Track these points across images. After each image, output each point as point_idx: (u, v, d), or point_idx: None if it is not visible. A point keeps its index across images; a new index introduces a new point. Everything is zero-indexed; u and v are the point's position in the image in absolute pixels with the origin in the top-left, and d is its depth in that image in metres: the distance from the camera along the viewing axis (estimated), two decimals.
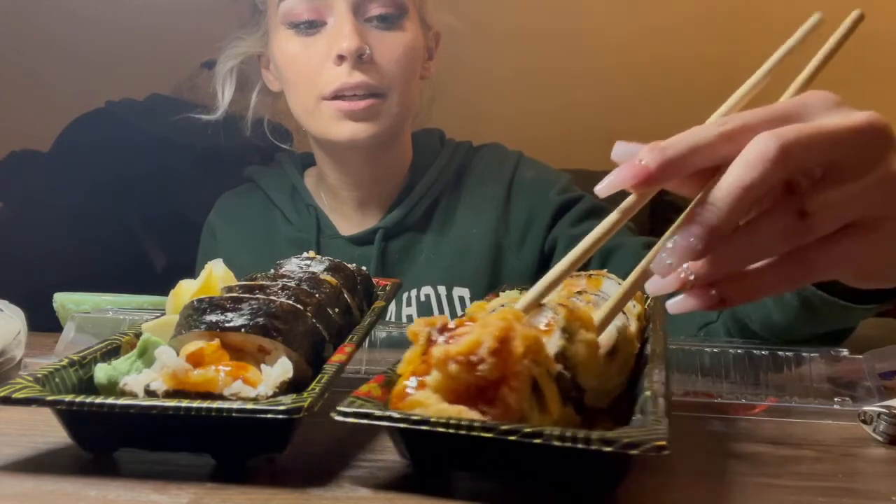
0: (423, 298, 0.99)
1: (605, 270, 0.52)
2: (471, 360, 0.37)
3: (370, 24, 0.93)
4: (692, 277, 0.39)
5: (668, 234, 0.39)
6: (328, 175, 1.04)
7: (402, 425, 0.38)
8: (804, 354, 0.60)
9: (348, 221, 1.05)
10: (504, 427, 0.36)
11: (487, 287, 0.96)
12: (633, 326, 0.47)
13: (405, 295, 0.99)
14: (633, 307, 0.49)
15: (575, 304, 0.42)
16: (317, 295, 0.51)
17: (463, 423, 0.36)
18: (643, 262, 0.42)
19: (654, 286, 0.40)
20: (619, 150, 0.42)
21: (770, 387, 0.59)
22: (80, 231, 1.40)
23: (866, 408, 0.54)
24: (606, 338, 0.44)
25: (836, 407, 0.58)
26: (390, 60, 0.93)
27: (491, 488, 0.41)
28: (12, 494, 0.39)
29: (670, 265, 0.38)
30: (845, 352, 0.60)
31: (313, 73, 0.93)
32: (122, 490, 0.39)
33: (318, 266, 0.57)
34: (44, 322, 0.85)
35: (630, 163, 0.39)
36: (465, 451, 0.39)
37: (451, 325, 0.39)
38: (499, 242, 1.01)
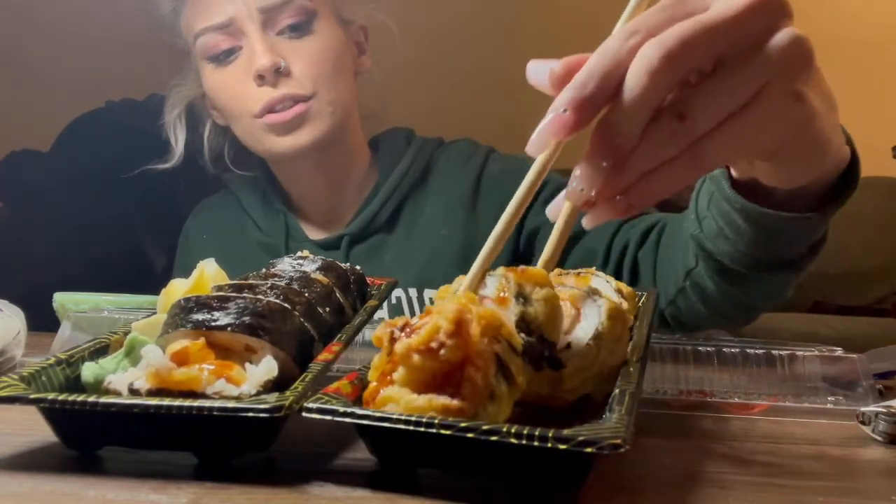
0: (394, 301, 0.98)
1: (594, 268, 0.51)
2: (431, 347, 0.37)
3: (283, 36, 0.93)
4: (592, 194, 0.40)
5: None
6: (290, 190, 1.05)
7: (363, 422, 0.38)
8: (799, 353, 0.59)
9: (318, 226, 1.05)
10: (463, 424, 0.36)
11: None
12: (625, 305, 0.47)
13: None
14: (622, 305, 0.49)
15: (523, 266, 0.42)
16: (306, 294, 0.51)
17: (422, 420, 0.36)
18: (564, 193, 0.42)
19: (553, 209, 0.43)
20: (534, 68, 0.42)
21: (766, 385, 0.59)
22: (79, 231, 1.40)
23: (864, 408, 0.53)
24: (588, 327, 0.43)
25: (834, 406, 0.58)
26: (308, 66, 0.93)
27: (496, 488, 0.40)
28: (10, 494, 0.39)
29: (583, 192, 0.39)
30: (840, 351, 0.60)
31: (241, 98, 0.94)
32: (120, 490, 0.39)
33: (310, 265, 0.56)
34: (44, 322, 0.84)
35: (555, 115, 0.39)
36: (427, 449, 0.40)
37: (413, 321, 0.39)
38: (469, 241, 0.99)
